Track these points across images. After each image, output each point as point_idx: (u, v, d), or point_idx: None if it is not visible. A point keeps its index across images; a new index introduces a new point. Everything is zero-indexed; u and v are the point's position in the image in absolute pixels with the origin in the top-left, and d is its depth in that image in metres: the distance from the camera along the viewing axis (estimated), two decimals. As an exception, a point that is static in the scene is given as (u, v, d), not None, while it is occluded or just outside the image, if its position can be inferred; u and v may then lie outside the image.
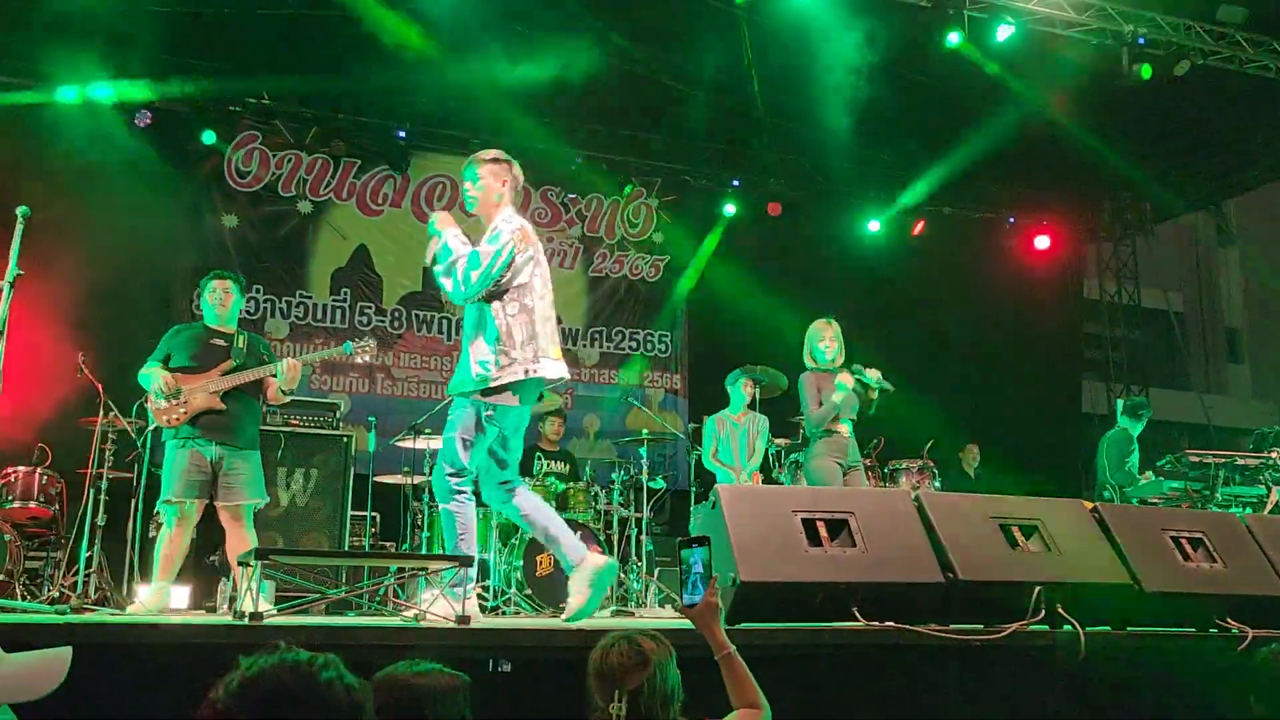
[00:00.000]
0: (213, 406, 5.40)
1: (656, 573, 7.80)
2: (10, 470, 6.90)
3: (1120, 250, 13.44)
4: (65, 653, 1.91)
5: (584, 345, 11.22)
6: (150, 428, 5.54)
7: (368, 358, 6.06)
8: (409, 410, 9.21)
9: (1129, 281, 13.43)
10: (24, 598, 6.22)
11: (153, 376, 5.40)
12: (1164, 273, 13.46)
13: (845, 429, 6.61)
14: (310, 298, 10.26)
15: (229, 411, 5.44)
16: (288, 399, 5.83)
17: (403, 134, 10.46)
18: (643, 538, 7.72)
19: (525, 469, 8.12)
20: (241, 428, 5.50)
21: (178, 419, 5.37)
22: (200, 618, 5.07)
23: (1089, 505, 4.41)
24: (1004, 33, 8.87)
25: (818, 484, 6.32)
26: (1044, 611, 3.75)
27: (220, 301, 5.72)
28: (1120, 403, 9.55)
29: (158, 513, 5.67)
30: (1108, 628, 3.99)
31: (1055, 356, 12.82)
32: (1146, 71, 8.90)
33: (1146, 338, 13.42)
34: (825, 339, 6.67)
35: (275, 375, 5.55)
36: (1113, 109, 10.03)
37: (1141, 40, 8.97)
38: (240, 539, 5.36)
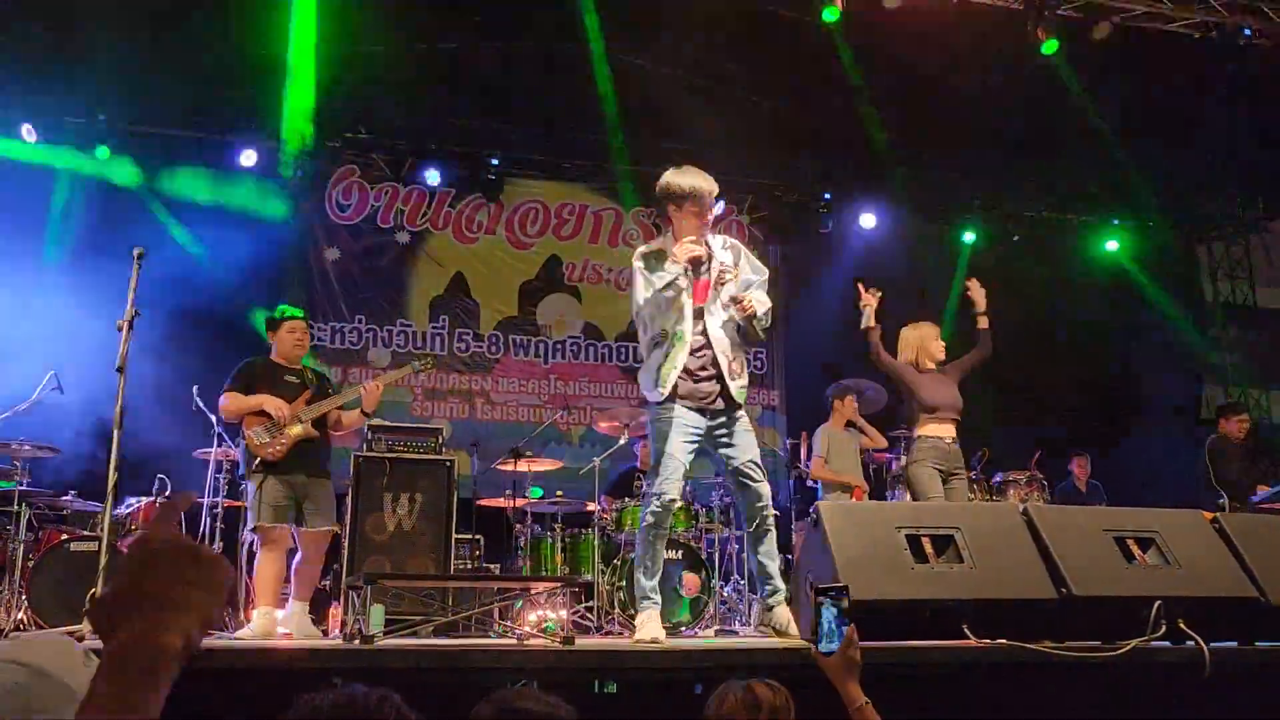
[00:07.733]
0: (309, 435, 5.57)
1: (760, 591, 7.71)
2: (132, 500, 7.12)
3: (1233, 249, 12.93)
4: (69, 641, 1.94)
5: (680, 364, 11.19)
6: (255, 461, 5.47)
7: (424, 375, 6.14)
8: (508, 434, 9.32)
9: (1244, 281, 12.91)
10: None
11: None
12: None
13: (947, 431, 6.20)
14: (410, 326, 10.47)
15: (316, 440, 5.63)
16: (369, 421, 5.97)
17: (495, 161, 10.63)
18: (744, 556, 7.65)
19: (625, 489, 8.20)
20: (322, 456, 5.70)
21: (280, 451, 5.47)
22: (312, 642, 5.19)
23: (1209, 515, 4.24)
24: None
25: (916, 490, 6.11)
26: (1165, 627, 3.61)
27: (298, 343, 5.84)
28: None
29: (247, 541, 5.88)
30: (1234, 643, 3.83)
31: (1172, 361, 12.36)
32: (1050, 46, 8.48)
33: (1265, 339, 12.83)
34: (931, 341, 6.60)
35: (346, 404, 5.83)
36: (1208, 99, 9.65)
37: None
38: (317, 566, 5.58)
